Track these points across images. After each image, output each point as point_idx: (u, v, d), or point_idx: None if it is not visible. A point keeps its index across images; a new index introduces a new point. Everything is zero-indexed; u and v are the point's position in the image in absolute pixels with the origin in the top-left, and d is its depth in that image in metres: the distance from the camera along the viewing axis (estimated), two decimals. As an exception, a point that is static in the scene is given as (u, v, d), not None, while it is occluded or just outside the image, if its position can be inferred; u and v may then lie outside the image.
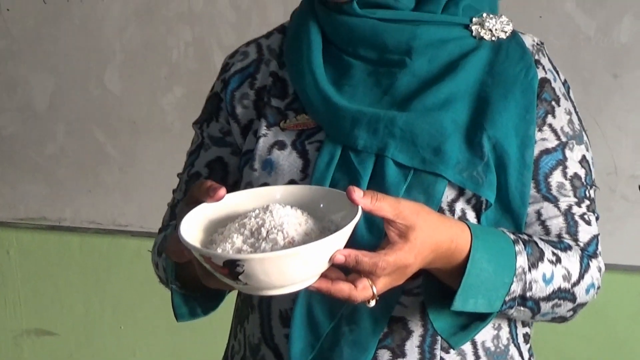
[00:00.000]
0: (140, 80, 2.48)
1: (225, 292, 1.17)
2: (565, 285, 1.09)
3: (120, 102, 2.51)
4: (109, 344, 2.70)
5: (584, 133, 1.17)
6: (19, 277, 2.74)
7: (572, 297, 1.10)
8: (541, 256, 1.07)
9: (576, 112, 1.17)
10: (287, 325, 1.10)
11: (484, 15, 1.15)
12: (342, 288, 0.95)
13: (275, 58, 1.21)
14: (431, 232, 0.97)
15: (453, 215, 1.08)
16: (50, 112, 2.57)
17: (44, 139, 2.58)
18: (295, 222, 0.95)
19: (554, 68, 1.17)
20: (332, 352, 1.08)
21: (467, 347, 1.11)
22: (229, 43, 2.34)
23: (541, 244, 1.08)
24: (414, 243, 0.96)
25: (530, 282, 1.05)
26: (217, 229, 0.98)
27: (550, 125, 1.13)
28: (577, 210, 1.13)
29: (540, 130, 1.12)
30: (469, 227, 1.02)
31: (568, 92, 1.18)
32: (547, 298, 1.08)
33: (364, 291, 0.95)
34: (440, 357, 1.10)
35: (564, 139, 1.14)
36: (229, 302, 1.21)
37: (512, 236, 1.07)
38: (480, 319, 1.05)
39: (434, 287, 1.06)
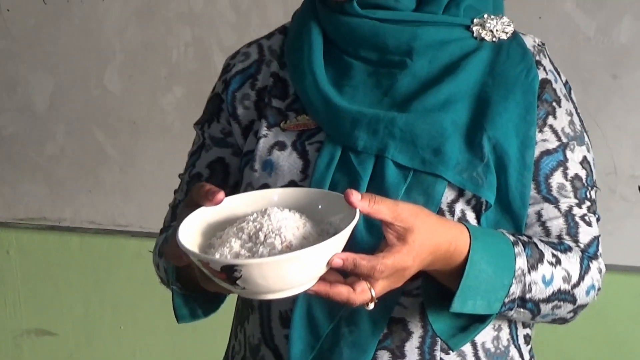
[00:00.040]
0: (140, 80, 2.48)
1: (225, 294, 1.17)
2: (565, 286, 1.09)
3: (120, 102, 2.51)
4: (108, 344, 2.70)
5: (585, 134, 1.17)
6: (19, 277, 2.74)
7: (572, 299, 1.10)
8: (541, 258, 1.07)
9: (577, 113, 1.17)
10: (287, 326, 1.10)
11: (485, 16, 1.15)
12: (341, 291, 0.94)
13: (276, 59, 1.22)
14: (429, 234, 0.97)
15: (453, 216, 1.08)
16: (50, 112, 2.57)
17: (43, 139, 2.58)
18: (293, 225, 0.95)
19: (555, 69, 1.17)
20: (331, 353, 1.08)
21: (467, 348, 1.11)
22: (229, 43, 2.35)
23: (541, 246, 1.08)
24: (412, 245, 0.95)
25: (529, 284, 1.05)
26: (215, 232, 0.98)
27: (551, 126, 1.13)
28: (577, 212, 1.13)
29: (540, 131, 1.12)
30: (468, 229, 1.02)
31: (569, 93, 1.18)
32: (547, 300, 1.08)
33: (363, 294, 0.95)
34: (440, 358, 1.10)
35: (564, 140, 1.13)
36: (230, 302, 1.21)
37: (511, 238, 1.07)
38: (480, 320, 1.05)
39: (433, 288, 1.06)
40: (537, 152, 1.12)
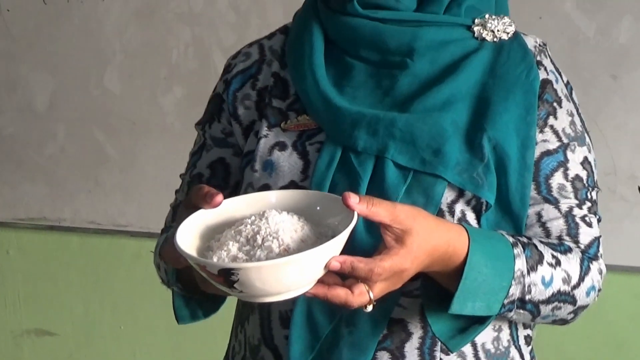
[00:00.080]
0: (140, 80, 2.48)
1: (225, 296, 1.17)
2: (565, 288, 1.08)
3: (120, 103, 2.51)
4: (109, 344, 2.70)
5: (586, 134, 1.17)
6: (19, 277, 2.74)
7: (572, 300, 1.10)
8: (540, 259, 1.07)
9: (579, 114, 1.17)
10: (287, 327, 1.10)
11: (487, 16, 1.15)
12: (339, 294, 0.94)
13: (277, 59, 1.21)
14: (428, 236, 0.97)
15: (453, 216, 1.08)
16: (50, 113, 2.57)
17: (44, 139, 2.58)
18: (291, 228, 0.94)
19: (557, 69, 1.17)
20: (331, 354, 1.08)
21: (467, 349, 1.11)
22: (229, 44, 2.35)
23: (541, 247, 1.08)
24: (410, 247, 0.95)
25: (529, 285, 1.05)
26: (214, 235, 0.98)
27: (551, 127, 1.13)
28: (578, 212, 1.13)
29: (541, 131, 1.12)
30: (467, 231, 1.02)
31: (570, 94, 1.18)
32: (547, 301, 1.08)
33: (361, 296, 0.95)
34: (440, 359, 1.10)
35: (565, 141, 1.13)
36: (230, 302, 1.21)
37: (510, 239, 1.06)
38: (479, 321, 1.05)
39: (432, 290, 1.06)
40: (537, 153, 1.12)
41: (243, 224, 0.96)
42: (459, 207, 1.09)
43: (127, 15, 2.46)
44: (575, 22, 2.12)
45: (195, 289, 1.05)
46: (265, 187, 1.13)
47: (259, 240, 0.93)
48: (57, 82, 2.55)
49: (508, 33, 1.15)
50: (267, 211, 0.97)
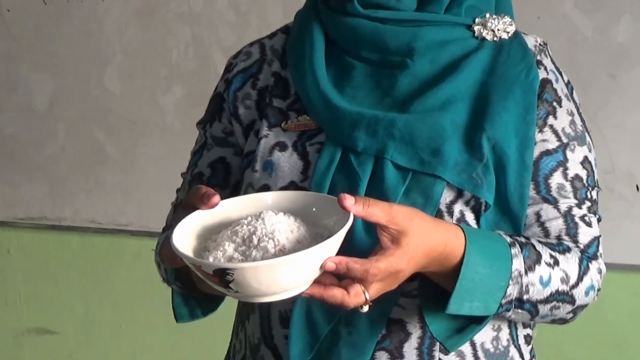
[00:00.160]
0: (140, 80, 2.49)
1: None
2: (564, 287, 1.08)
3: (120, 102, 2.51)
4: (109, 342, 2.70)
5: (586, 134, 1.16)
6: (20, 276, 2.74)
7: (571, 300, 1.10)
8: (538, 259, 1.07)
9: (579, 113, 1.17)
10: (287, 326, 1.10)
11: (487, 15, 1.15)
12: (335, 294, 0.95)
13: (278, 58, 1.21)
14: (424, 237, 0.97)
15: (452, 217, 1.08)
16: (50, 112, 2.57)
17: (44, 138, 2.59)
18: (287, 229, 0.95)
19: (557, 68, 1.17)
20: (330, 354, 1.08)
21: (466, 349, 1.11)
22: (229, 44, 2.35)
23: (539, 247, 1.08)
24: (406, 248, 0.96)
25: (526, 285, 1.05)
26: (211, 235, 0.98)
27: (551, 126, 1.13)
28: (577, 212, 1.12)
29: (541, 131, 1.12)
30: (464, 231, 1.02)
31: (571, 93, 1.17)
32: (545, 301, 1.07)
33: (357, 297, 0.95)
34: (439, 358, 1.10)
35: (565, 140, 1.13)
36: (231, 302, 1.22)
37: (508, 239, 1.06)
38: (477, 321, 1.05)
39: (430, 290, 1.06)
40: (536, 152, 1.11)
41: (239, 225, 0.96)
42: (458, 207, 1.09)
43: (127, 15, 2.46)
44: (573, 21, 2.12)
45: (194, 287, 1.05)
46: (265, 188, 1.13)
47: (255, 241, 0.93)
48: (57, 82, 2.55)
49: (508, 32, 1.15)
50: (264, 212, 0.97)
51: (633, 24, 2.09)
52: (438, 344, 1.09)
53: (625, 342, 2.27)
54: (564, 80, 1.17)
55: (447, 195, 1.08)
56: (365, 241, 1.04)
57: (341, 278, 0.96)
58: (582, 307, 1.12)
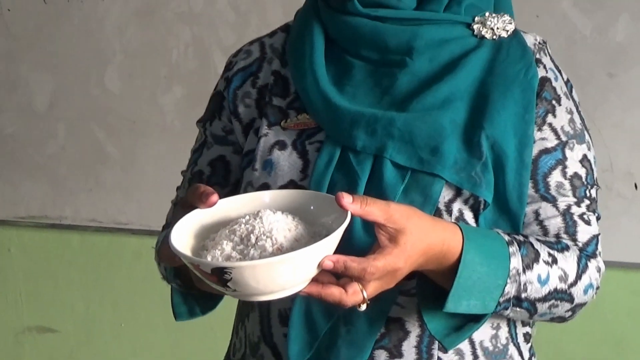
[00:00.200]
0: (140, 80, 2.49)
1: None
2: (562, 286, 1.08)
3: (120, 102, 2.51)
4: (109, 341, 2.70)
5: (586, 132, 1.16)
6: (20, 275, 2.74)
7: (570, 298, 1.10)
8: (536, 257, 1.07)
9: (578, 111, 1.17)
10: (286, 325, 1.10)
11: (487, 14, 1.15)
12: (333, 292, 0.95)
13: (278, 57, 1.21)
14: (422, 235, 0.97)
15: (450, 215, 1.08)
16: (50, 112, 2.58)
17: (44, 138, 2.59)
18: (284, 227, 0.95)
19: (556, 67, 1.17)
20: (329, 352, 1.08)
21: (465, 347, 1.11)
22: (229, 43, 2.35)
23: (537, 245, 1.08)
24: (404, 247, 0.96)
25: (524, 284, 1.05)
26: (209, 234, 0.98)
27: (550, 125, 1.13)
28: (576, 210, 1.12)
29: (540, 129, 1.12)
30: (461, 229, 1.02)
31: (570, 91, 1.17)
32: (543, 299, 1.08)
33: (354, 296, 0.95)
34: (438, 357, 1.10)
35: (564, 139, 1.13)
36: (231, 300, 1.22)
37: (506, 237, 1.06)
38: (475, 320, 1.05)
39: (428, 288, 1.06)
40: (535, 151, 1.11)
41: (237, 224, 0.96)
42: (457, 206, 1.09)
43: (127, 15, 2.46)
44: (572, 20, 2.12)
45: (194, 285, 1.05)
46: (265, 186, 1.13)
47: (253, 240, 0.93)
48: (57, 81, 2.55)
49: (508, 31, 1.15)
50: (262, 211, 0.97)
51: (631, 23, 2.09)
52: (437, 342, 1.09)
53: (624, 339, 2.28)
54: (563, 79, 1.17)
55: (445, 194, 1.08)
56: (364, 240, 1.04)
57: (339, 276, 0.96)
58: (581, 305, 1.12)
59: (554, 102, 1.13)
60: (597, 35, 2.12)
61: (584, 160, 1.14)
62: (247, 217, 0.97)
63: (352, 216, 0.95)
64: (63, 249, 2.68)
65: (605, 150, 2.10)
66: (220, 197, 1.00)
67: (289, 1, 1.44)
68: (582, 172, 1.14)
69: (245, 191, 1.15)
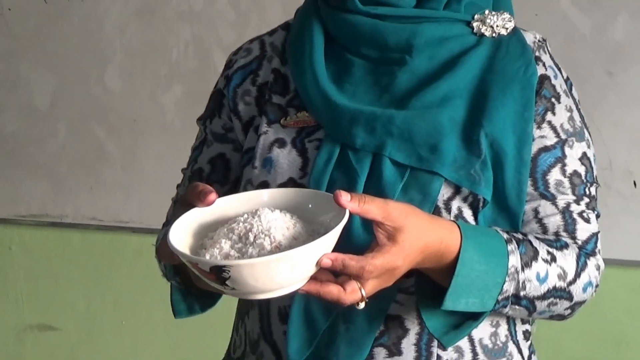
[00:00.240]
0: (141, 78, 2.49)
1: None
2: (561, 284, 1.08)
3: (121, 101, 2.52)
4: (110, 339, 2.70)
5: (585, 130, 1.16)
6: (21, 273, 2.74)
7: (569, 296, 1.10)
8: (535, 255, 1.07)
9: (578, 109, 1.16)
10: (286, 322, 1.10)
11: (487, 12, 1.15)
12: (331, 290, 0.95)
13: (278, 55, 1.21)
14: (420, 233, 0.97)
15: (449, 213, 1.08)
16: (51, 111, 2.58)
17: (45, 137, 2.59)
18: (283, 226, 0.95)
19: (556, 65, 1.17)
20: (328, 350, 1.08)
21: (464, 345, 1.11)
22: (228, 42, 2.35)
23: (536, 243, 1.08)
24: (402, 245, 0.96)
25: (523, 282, 1.05)
26: (208, 233, 0.98)
27: (549, 123, 1.12)
28: (575, 208, 1.12)
29: (539, 127, 1.12)
30: (459, 227, 1.02)
31: (570, 89, 1.17)
32: (542, 297, 1.07)
33: (353, 294, 0.95)
34: (437, 354, 1.10)
35: (563, 136, 1.13)
36: (231, 298, 1.22)
37: (505, 235, 1.06)
38: (474, 318, 1.05)
39: (426, 286, 1.06)
40: (535, 149, 1.11)
41: (236, 222, 0.96)
42: (456, 203, 1.09)
43: (127, 14, 2.47)
44: (571, 19, 2.13)
45: (193, 283, 1.05)
46: (264, 184, 1.13)
47: (251, 238, 0.93)
48: (58, 80, 2.56)
49: (507, 29, 1.15)
50: (260, 209, 0.97)
51: (630, 22, 2.10)
52: (436, 340, 1.09)
53: (623, 337, 2.28)
54: (563, 77, 1.17)
55: (444, 192, 1.08)
56: (363, 238, 1.04)
57: (338, 275, 0.96)
58: (580, 303, 1.12)
59: (553, 99, 1.13)
60: (596, 34, 2.12)
61: (584, 158, 1.14)
62: (246, 216, 0.97)
63: (351, 214, 0.95)
64: (64, 248, 2.69)
65: (604, 148, 2.10)
66: (220, 194, 1.00)
67: (288, 0, 1.44)
68: (582, 170, 1.14)
69: (245, 189, 1.15)
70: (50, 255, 2.71)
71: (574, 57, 2.11)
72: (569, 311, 1.12)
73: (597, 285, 1.13)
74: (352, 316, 1.07)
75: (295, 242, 0.94)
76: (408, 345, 1.10)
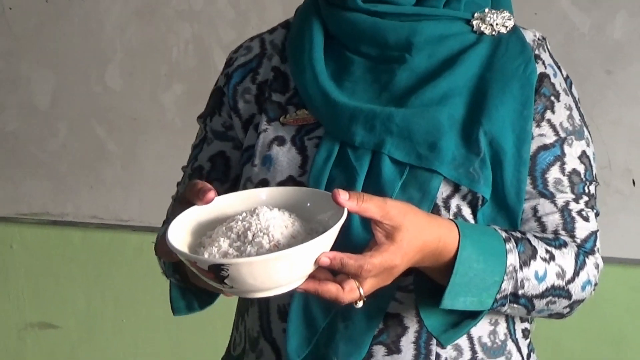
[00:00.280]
0: (141, 77, 2.49)
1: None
2: (559, 282, 1.08)
3: (121, 100, 2.52)
4: (110, 337, 2.71)
5: (585, 128, 1.16)
6: (22, 271, 2.75)
7: (567, 295, 1.10)
8: (533, 254, 1.07)
9: (577, 108, 1.16)
10: (285, 320, 1.10)
11: (486, 10, 1.15)
12: (330, 289, 0.95)
13: (278, 53, 1.21)
14: (418, 232, 0.97)
15: (448, 211, 1.08)
16: (52, 110, 2.58)
17: (46, 135, 2.59)
18: (281, 224, 0.95)
19: (556, 63, 1.17)
20: (327, 348, 1.08)
21: (463, 343, 1.11)
22: (228, 41, 2.35)
23: (534, 242, 1.08)
24: (400, 244, 0.96)
25: (521, 280, 1.05)
26: (206, 231, 0.98)
27: (548, 121, 1.12)
28: (574, 207, 1.12)
29: (538, 125, 1.12)
30: (458, 226, 1.02)
31: (570, 88, 1.17)
32: (541, 295, 1.07)
33: (351, 293, 0.96)
34: (436, 352, 1.10)
35: (562, 135, 1.13)
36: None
37: (503, 234, 1.06)
38: (472, 316, 1.05)
39: (425, 284, 1.06)
40: (534, 147, 1.11)
41: (234, 221, 0.96)
42: (455, 202, 1.09)
43: (127, 13, 2.47)
44: (570, 18, 2.13)
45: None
46: (264, 182, 1.13)
47: (250, 237, 0.93)
48: (58, 79, 2.56)
49: (507, 27, 1.15)
50: (258, 207, 0.97)
51: (629, 20, 2.10)
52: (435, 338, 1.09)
53: (623, 335, 2.28)
54: (562, 75, 1.17)
55: (444, 190, 1.08)
56: (362, 236, 1.04)
57: (336, 273, 0.96)
58: (579, 302, 1.12)
59: (552, 98, 1.13)
60: (595, 32, 2.12)
61: (583, 156, 1.14)
62: (244, 214, 0.97)
63: (349, 213, 0.95)
64: (64, 246, 2.69)
65: (603, 147, 2.10)
66: (220, 192, 1.00)
67: (288, -1, 1.44)
68: (581, 168, 1.14)
69: (245, 187, 1.15)
70: (51, 253, 2.71)
71: (573, 55, 2.11)
72: (567, 310, 1.12)
73: (596, 284, 1.13)
74: (351, 314, 1.07)
75: (294, 240, 0.94)
76: (407, 343, 1.10)
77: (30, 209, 2.66)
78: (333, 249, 0.94)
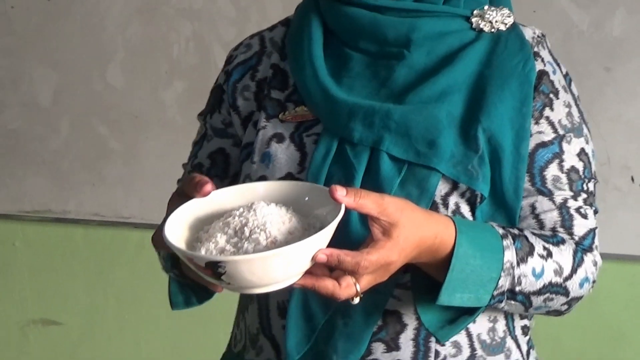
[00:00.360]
0: (142, 75, 2.49)
1: None
2: (557, 279, 1.08)
3: (123, 97, 2.52)
4: (113, 333, 2.71)
5: (584, 126, 1.15)
6: (25, 268, 2.74)
7: (565, 292, 1.09)
8: (531, 251, 1.06)
9: (577, 105, 1.16)
10: (285, 317, 1.10)
11: (486, 7, 1.15)
12: (327, 285, 0.95)
13: (277, 50, 1.21)
14: (415, 229, 0.97)
15: (447, 209, 1.08)
16: (54, 107, 2.58)
17: (48, 133, 2.59)
18: (278, 220, 0.94)
19: (555, 60, 1.16)
20: (327, 345, 1.08)
21: (462, 340, 1.11)
22: (229, 39, 2.35)
23: (532, 239, 1.08)
24: (397, 240, 0.95)
25: (519, 277, 1.05)
26: (203, 226, 0.98)
27: (547, 118, 1.12)
28: (572, 204, 1.12)
29: (537, 123, 1.11)
30: (454, 222, 1.02)
31: (569, 85, 1.17)
32: (538, 292, 1.07)
33: (348, 289, 0.95)
34: (435, 350, 1.10)
35: (561, 132, 1.12)
36: (232, 292, 1.23)
37: (501, 231, 1.06)
38: (469, 312, 1.05)
39: (422, 281, 1.06)
40: (532, 144, 1.11)
41: (231, 216, 0.96)
42: (453, 199, 1.08)
43: (128, 11, 2.47)
44: (569, 15, 2.13)
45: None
46: (263, 179, 1.12)
47: (247, 233, 0.93)
48: (60, 77, 2.56)
49: (506, 24, 1.14)
50: (256, 203, 0.97)
51: (628, 17, 2.10)
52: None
53: (621, 331, 2.28)
54: (562, 72, 1.16)
55: (442, 187, 1.08)
56: (360, 232, 1.04)
57: (333, 269, 0.96)
58: (577, 299, 1.12)
59: (551, 95, 1.13)
60: (594, 29, 2.13)
61: (582, 153, 1.14)
62: (241, 210, 0.96)
63: (347, 209, 0.95)
64: (67, 243, 2.69)
65: (602, 143, 2.10)
66: (218, 188, 1.00)
67: (288, -3, 1.45)
68: (580, 165, 1.13)
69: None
70: (53, 250, 2.70)
71: (571, 53, 2.11)
72: (565, 307, 1.12)
73: (594, 281, 1.13)
74: (350, 311, 1.07)
75: (291, 236, 0.94)
76: (406, 340, 1.10)
77: (33, 207, 2.66)
78: (331, 244, 0.94)
